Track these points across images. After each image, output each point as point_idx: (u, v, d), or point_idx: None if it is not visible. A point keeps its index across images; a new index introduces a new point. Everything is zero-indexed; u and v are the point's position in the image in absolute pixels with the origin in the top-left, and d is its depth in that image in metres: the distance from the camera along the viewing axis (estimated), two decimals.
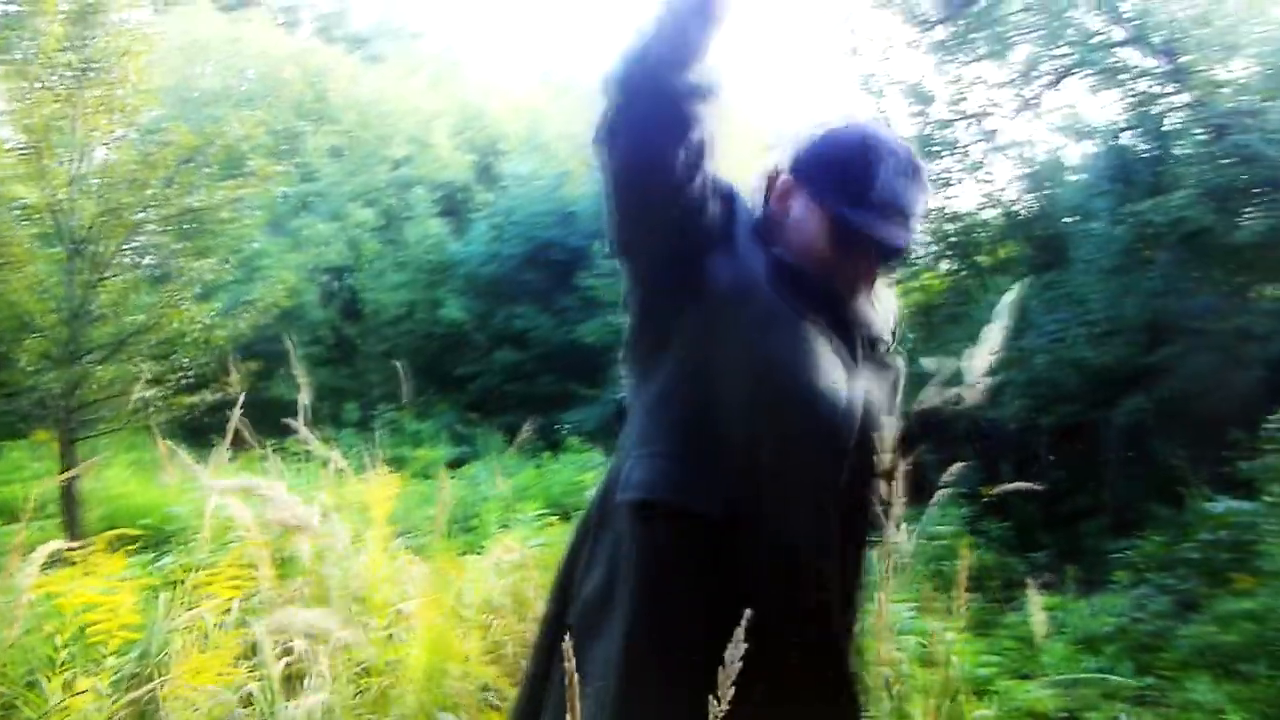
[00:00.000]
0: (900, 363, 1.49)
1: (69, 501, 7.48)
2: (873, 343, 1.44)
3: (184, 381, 8.09)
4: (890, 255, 1.40)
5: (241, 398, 3.12)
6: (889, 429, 1.39)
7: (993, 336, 2.07)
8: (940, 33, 10.81)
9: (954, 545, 6.32)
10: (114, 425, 7.82)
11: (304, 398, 3.44)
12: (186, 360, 8.10)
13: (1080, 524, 7.71)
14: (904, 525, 3.27)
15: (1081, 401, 8.25)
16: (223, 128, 7.72)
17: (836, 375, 1.34)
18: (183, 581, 3.10)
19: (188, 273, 7.90)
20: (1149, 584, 5.48)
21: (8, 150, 7.04)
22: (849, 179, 1.35)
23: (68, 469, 7.39)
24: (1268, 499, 4.86)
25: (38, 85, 6.82)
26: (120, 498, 8.58)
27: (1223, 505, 5.43)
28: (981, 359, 2.07)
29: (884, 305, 1.53)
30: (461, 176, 18.19)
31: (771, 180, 1.47)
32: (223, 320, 8.37)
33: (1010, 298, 1.99)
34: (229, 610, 2.76)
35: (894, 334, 1.53)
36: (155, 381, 7.85)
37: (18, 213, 7.25)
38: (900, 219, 1.36)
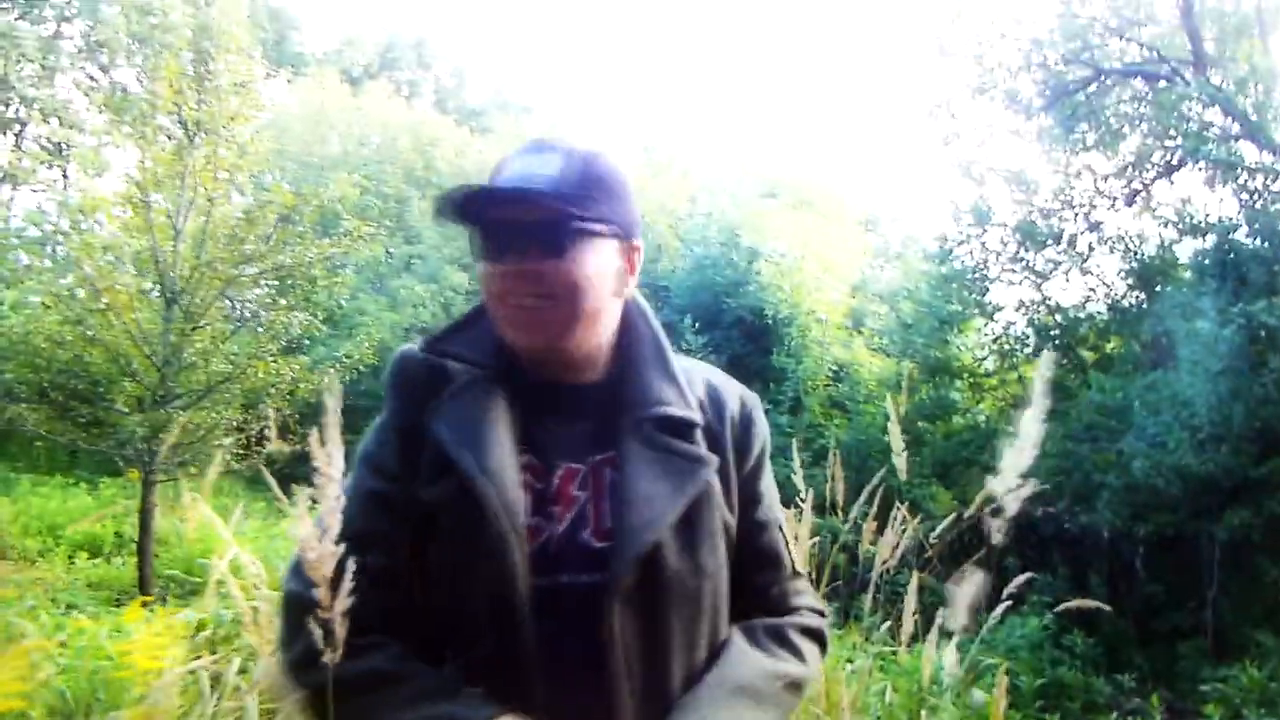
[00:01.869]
0: (711, 459, 1.18)
1: (144, 541, 7.66)
2: (658, 424, 1.17)
3: (266, 431, 8.26)
4: (521, 232, 1.12)
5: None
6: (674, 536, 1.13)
7: (1030, 431, 1.76)
8: (1044, 120, 10.54)
9: (1029, 661, 5.91)
10: (194, 470, 8.00)
11: (336, 454, 3.38)
12: (272, 411, 8.27)
13: (1176, 645, 7.13)
14: (953, 641, 3.02)
15: (1182, 511, 7.70)
16: (318, 189, 7.97)
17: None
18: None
19: (276, 326, 8.11)
20: None
21: (120, 202, 7.40)
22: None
23: (146, 510, 7.60)
24: None
25: (150, 143, 7.19)
26: (197, 541, 8.75)
27: None
28: (1019, 457, 1.78)
29: (697, 386, 1.26)
30: None
31: None
32: (308, 374, 8.55)
33: (1041, 389, 1.68)
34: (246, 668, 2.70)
35: (727, 427, 1.24)
36: (238, 429, 8.05)
37: (125, 261, 7.58)
38: (498, 191, 1.12)
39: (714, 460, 1.18)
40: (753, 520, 1.25)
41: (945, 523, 3.30)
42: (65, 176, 7.80)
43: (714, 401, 1.25)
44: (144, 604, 5.91)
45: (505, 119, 25.83)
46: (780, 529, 1.30)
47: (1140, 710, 5.73)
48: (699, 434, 1.20)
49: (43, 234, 7.67)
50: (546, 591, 1.11)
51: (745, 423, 1.26)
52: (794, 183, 18.80)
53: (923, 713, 3.27)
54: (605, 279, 1.17)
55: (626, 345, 1.23)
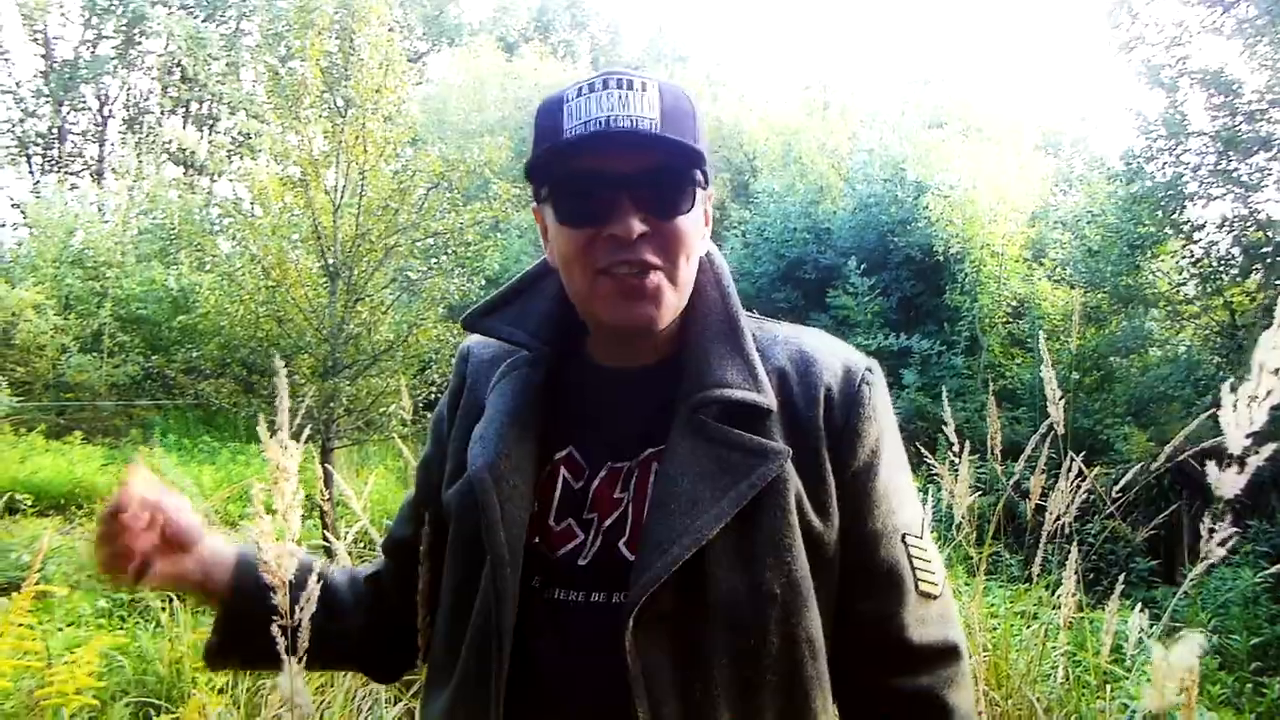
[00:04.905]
0: (781, 450, 0.93)
1: (324, 505, 8.08)
2: (716, 411, 0.94)
3: (434, 396, 8.49)
4: (624, 185, 0.92)
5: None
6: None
7: (1266, 378, 1.15)
8: (1247, 9, 9.37)
9: (1242, 617, 5.32)
10: (363, 436, 8.34)
11: None
12: (437, 377, 8.49)
13: None
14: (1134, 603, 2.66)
15: None
16: (464, 155, 8.04)
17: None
18: None
19: (434, 292, 8.27)
20: None
21: (283, 183, 7.69)
22: (540, 137, 0.97)
23: (325, 476, 7.97)
24: None
25: (305, 123, 7.42)
26: (376, 504, 9.18)
27: None
28: (1246, 413, 1.17)
29: (779, 357, 1.01)
30: (717, 194, 18.18)
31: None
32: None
33: None
34: None
35: (819, 407, 0.98)
36: (405, 394, 8.31)
37: (294, 240, 7.91)
38: (603, 134, 0.91)
39: (784, 452, 0.93)
40: (863, 530, 0.98)
41: (1132, 470, 2.93)
42: (254, 163, 8.19)
43: (802, 375, 0.99)
44: None
45: (661, 70, 25.59)
46: (906, 541, 1.00)
47: None
48: (772, 421, 0.96)
49: (244, 218, 8.16)
50: (569, 609, 0.94)
51: (850, 401, 0.98)
52: (962, 110, 17.67)
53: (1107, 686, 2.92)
54: (701, 238, 1.01)
55: (691, 317, 1.02)
